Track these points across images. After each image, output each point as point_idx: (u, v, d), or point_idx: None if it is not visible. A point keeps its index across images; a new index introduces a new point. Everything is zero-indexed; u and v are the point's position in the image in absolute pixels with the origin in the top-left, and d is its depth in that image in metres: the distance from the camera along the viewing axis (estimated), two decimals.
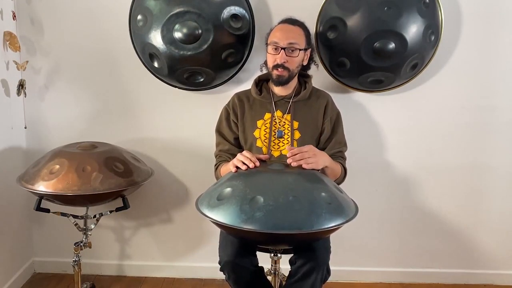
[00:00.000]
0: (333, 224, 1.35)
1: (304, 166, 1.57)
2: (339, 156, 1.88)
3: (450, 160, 2.29)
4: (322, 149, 1.83)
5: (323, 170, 1.70)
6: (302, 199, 1.37)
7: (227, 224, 1.35)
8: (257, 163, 1.59)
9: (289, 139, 1.82)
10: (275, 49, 1.76)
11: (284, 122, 1.84)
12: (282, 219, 1.32)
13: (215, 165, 1.92)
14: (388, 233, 2.39)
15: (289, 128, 1.83)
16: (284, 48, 1.74)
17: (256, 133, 1.85)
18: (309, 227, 1.32)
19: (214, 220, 1.39)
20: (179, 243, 2.44)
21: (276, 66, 1.77)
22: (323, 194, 1.43)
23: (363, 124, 2.26)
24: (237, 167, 1.60)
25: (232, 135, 1.92)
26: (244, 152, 1.63)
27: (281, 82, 1.80)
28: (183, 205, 2.39)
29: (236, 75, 2.17)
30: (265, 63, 1.96)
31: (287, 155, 1.60)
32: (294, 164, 1.58)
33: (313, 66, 1.96)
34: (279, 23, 1.84)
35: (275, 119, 1.85)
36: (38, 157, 2.08)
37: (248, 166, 1.57)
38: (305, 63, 1.85)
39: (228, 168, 1.70)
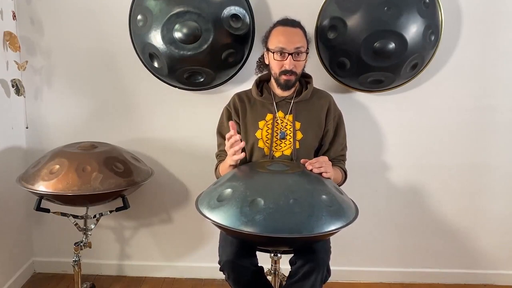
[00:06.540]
0: (333, 227, 1.35)
1: (324, 175, 1.59)
2: (341, 159, 1.89)
3: (450, 160, 2.29)
4: (326, 151, 1.85)
5: None
6: (303, 202, 1.37)
7: (227, 226, 1.35)
8: (236, 136, 1.61)
9: (291, 139, 1.81)
10: (281, 54, 1.73)
11: (286, 123, 1.83)
12: (282, 223, 1.32)
13: (216, 165, 1.92)
14: (388, 233, 2.39)
15: (291, 129, 1.82)
16: (291, 54, 1.72)
17: (258, 134, 1.83)
18: (309, 230, 1.32)
19: (214, 221, 1.39)
20: (179, 243, 2.44)
21: (284, 72, 1.75)
22: (323, 196, 1.42)
23: (363, 124, 2.26)
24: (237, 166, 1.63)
25: None
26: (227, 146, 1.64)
27: (289, 86, 1.80)
28: (183, 205, 2.39)
29: (236, 75, 2.17)
30: (260, 60, 1.95)
31: (305, 165, 1.61)
32: (316, 170, 1.59)
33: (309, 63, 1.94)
34: (278, 25, 1.79)
35: (277, 119, 1.84)
36: (38, 157, 2.09)
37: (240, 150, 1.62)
38: (306, 63, 1.85)
39: (226, 165, 1.71)
